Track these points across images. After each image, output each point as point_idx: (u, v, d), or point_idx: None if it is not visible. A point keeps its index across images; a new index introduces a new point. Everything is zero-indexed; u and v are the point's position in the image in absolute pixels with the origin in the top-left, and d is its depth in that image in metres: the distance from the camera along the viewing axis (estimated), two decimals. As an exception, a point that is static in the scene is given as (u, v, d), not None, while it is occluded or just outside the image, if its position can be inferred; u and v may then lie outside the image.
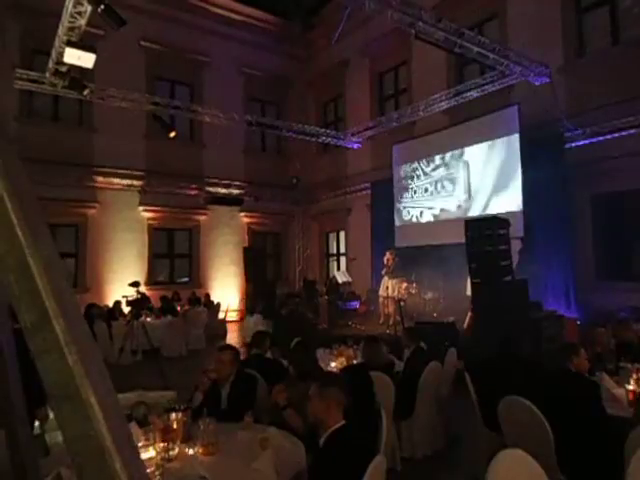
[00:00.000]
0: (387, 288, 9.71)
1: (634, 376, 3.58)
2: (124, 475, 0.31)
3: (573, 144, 8.83)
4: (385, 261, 10.01)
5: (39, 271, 0.34)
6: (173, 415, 2.78)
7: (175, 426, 2.74)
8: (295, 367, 3.69)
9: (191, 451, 2.64)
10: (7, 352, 0.60)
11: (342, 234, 15.63)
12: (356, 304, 12.31)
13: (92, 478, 0.31)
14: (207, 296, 13.06)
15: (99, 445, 0.31)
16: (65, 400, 0.32)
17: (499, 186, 9.74)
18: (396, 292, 9.62)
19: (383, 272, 10.05)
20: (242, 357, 4.20)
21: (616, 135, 8.34)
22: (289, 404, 3.13)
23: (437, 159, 11.33)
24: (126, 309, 9.16)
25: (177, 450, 2.61)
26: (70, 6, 6.97)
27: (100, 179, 12.64)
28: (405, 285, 9.95)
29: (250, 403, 3.32)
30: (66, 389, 0.32)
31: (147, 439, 2.61)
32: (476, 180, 10.33)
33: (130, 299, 7.97)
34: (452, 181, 10.93)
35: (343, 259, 15.45)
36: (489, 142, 9.97)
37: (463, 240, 7.27)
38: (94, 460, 0.31)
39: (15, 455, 0.61)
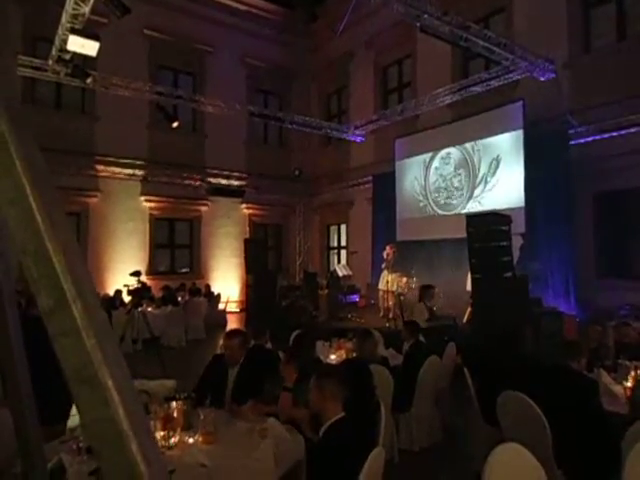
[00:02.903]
0: (387, 282, 9.71)
1: (632, 373, 3.60)
2: (140, 456, 0.33)
3: (577, 141, 8.79)
4: (385, 255, 10.00)
5: (57, 255, 0.34)
6: (173, 404, 2.81)
7: (175, 415, 2.76)
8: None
9: (191, 440, 2.66)
10: (8, 304, 0.59)
11: (343, 227, 15.63)
12: (356, 297, 12.34)
13: (110, 460, 0.32)
14: (207, 287, 13.09)
15: (116, 428, 0.33)
16: (83, 384, 0.33)
17: (501, 181, 9.72)
18: (395, 286, 9.61)
19: (383, 266, 10.06)
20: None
21: (621, 132, 8.30)
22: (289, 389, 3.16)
23: (439, 153, 11.30)
24: (127, 298, 9.19)
25: (177, 438, 2.63)
26: (74, -7, 6.94)
27: (102, 168, 12.62)
28: (405, 279, 9.95)
29: (260, 380, 3.35)
30: (84, 373, 0.33)
31: (148, 427, 2.63)
32: (478, 175, 10.31)
33: (131, 288, 7.98)
34: (454, 176, 10.91)
35: (344, 252, 15.46)
36: (493, 137, 9.93)
37: (464, 235, 7.27)
38: (111, 442, 0.32)
39: (21, 434, 0.61)
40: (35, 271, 0.34)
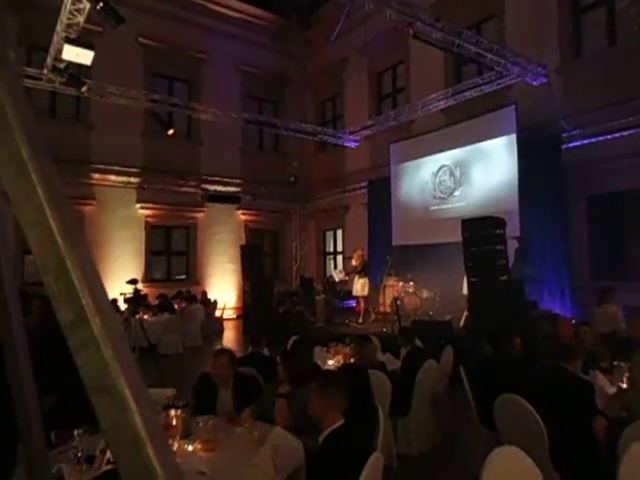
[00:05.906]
0: (359, 288, 10.08)
1: (627, 375, 3.63)
2: (156, 461, 0.35)
3: (570, 144, 8.88)
4: (353, 262, 10.29)
5: (76, 272, 0.37)
6: (172, 412, 2.81)
7: (174, 422, 2.77)
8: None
9: (190, 447, 2.66)
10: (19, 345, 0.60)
11: (339, 232, 15.66)
12: (353, 302, 12.35)
13: (127, 464, 0.35)
14: (204, 293, 13.08)
15: (134, 434, 0.35)
16: (102, 392, 0.35)
17: (496, 185, 9.78)
18: (366, 291, 9.93)
19: (350, 272, 10.42)
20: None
21: (613, 136, 8.39)
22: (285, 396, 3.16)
23: (434, 158, 11.36)
24: (123, 306, 9.18)
25: (176, 446, 2.64)
26: (69, 3, 6.97)
27: (97, 176, 12.63)
28: (402, 284, 10.02)
29: (258, 386, 3.40)
30: (103, 382, 0.35)
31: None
32: (473, 179, 10.37)
33: (127, 296, 7.99)
34: (449, 180, 10.97)
35: (340, 257, 15.48)
36: (486, 142, 10.01)
37: (460, 239, 7.32)
38: (129, 448, 0.35)
39: (26, 440, 0.61)
40: (56, 288, 0.37)
